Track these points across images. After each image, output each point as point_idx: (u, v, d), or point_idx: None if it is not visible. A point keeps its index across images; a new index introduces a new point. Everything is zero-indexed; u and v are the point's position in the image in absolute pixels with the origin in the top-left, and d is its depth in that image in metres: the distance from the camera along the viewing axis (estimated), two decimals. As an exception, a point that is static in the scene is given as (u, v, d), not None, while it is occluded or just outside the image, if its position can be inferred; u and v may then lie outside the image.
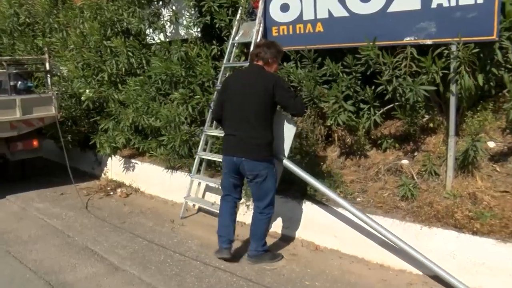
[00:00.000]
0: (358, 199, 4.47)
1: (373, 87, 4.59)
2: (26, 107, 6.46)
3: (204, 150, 5.42)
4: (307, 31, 4.98)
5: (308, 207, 4.54)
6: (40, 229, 5.34)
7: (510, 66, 4.12)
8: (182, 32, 6.02)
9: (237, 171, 4.00)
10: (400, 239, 3.73)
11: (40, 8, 8.19)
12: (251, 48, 5.09)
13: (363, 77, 4.72)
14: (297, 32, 5.06)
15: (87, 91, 6.71)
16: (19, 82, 6.74)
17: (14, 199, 6.58)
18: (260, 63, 4.05)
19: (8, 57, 7.73)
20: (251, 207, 4.88)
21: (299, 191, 4.74)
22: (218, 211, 4.88)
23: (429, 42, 4.13)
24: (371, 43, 4.36)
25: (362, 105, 4.75)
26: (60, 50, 7.58)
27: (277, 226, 4.75)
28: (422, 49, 4.26)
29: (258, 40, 5.13)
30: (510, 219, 3.61)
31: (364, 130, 4.89)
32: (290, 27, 5.11)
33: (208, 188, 5.58)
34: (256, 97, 3.87)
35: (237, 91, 3.96)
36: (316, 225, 4.46)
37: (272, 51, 4.07)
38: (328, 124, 4.93)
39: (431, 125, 4.69)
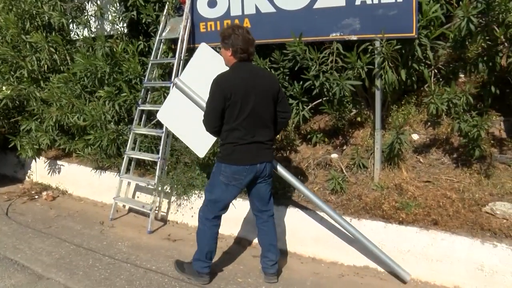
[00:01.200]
0: (289, 194, 4.46)
1: (301, 83, 4.59)
2: None
3: (133, 149, 5.22)
4: (235, 26, 4.91)
5: (239, 203, 4.46)
6: None
7: (429, 62, 4.27)
8: (107, 27, 5.77)
9: (253, 179, 3.63)
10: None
11: None
12: (178, 44, 4.96)
13: (291, 72, 4.72)
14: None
15: (4, 88, 6.25)
16: None
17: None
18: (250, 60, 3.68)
19: None
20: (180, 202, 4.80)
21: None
22: (148, 211, 4.77)
23: (354, 38, 4.18)
24: (297, 39, 4.36)
25: (291, 101, 4.74)
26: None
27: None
28: (348, 45, 4.32)
29: (186, 36, 5.00)
30: (432, 208, 3.74)
31: (293, 125, 4.89)
32: (218, 23, 5.02)
33: (138, 188, 5.39)
34: (270, 99, 3.56)
35: (249, 96, 3.45)
36: (244, 222, 4.43)
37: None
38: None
39: (358, 119, 4.78)
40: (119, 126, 5.41)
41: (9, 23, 6.16)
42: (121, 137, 5.37)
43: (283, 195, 4.46)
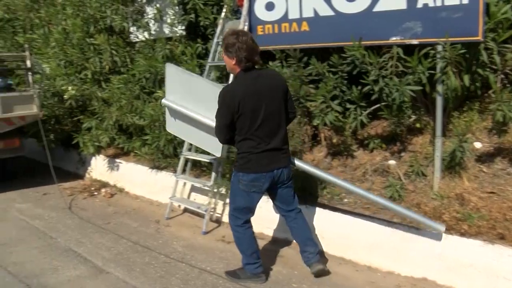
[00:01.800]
0: (345, 200, 4.40)
1: (359, 87, 4.52)
2: (6, 105, 6.29)
3: (189, 150, 5.30)
4: (292, 30, 4.89)
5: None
6: (21, 230, 5.19)
7: (495, 67, 4.08)
8: (166, 30, 5.89)
9: (273, 185, 3.66)
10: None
11: (20, 3, 7.95)
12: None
13: (349, 76, 4.65)
14: (283, 31, 4.97)
15: (70, 89, 6.53)
16: (-1, 80, 6.56)
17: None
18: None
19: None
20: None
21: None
22: (203, 212, 4.84)
23: (415, 42, 4.06)
24: (357, 43, 4.29)
25: (348, 105, 4.67)
26: (41, 47, 7.38)
27: (263, 228, 4.65)
28: (408, 49, 4.20)
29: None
30: (498, 221, 3.57)
31: (350, 130, 4.83)
32: (275, 26, 5.02)
33: (193, 189, 5.47)
34: (281, 99, 3.57)
35: (258, 105, 3.45)
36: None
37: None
38: (315, 124, 4.85)
39: (417, 125, 4.64)
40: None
41: (75, 27, 6.45)
42: (177, 137, 5.48)
43: (338, 201, 4.40)
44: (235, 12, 5.35)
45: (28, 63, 6.66)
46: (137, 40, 6.25)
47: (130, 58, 6.25)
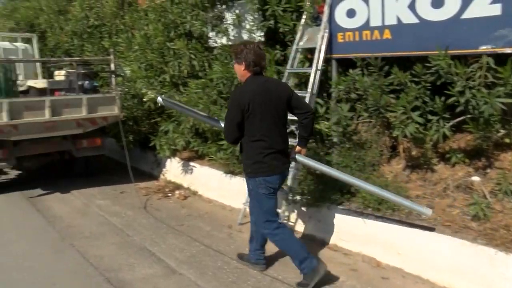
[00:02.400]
0: (424, 215, 4.25)
1: (443, 98, 4.36)
2: (92, 106, 6.68)
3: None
4: (374, 38, 4.82)
5: (370, 220, 4.37)
6: (101, 226, 5.49)
7: None
8: (245, 36, 5.99)
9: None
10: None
11: (108, 10, 8.42)
12: (315, 54, 5.00)
13: (433, 87, 4.50)
14: (364, 38, 4.91)
15: (149, 92, 6.82)
16: (86, 82, 7.00)
17: (78, 195, 6.83)
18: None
19: (77, 58, 8.01)
20: (310, 214, 4.81)
21: (361, 204, 4.58)
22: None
23: (509, 51, 3.87)
24: (442, 52, 4.14)
25: (430, 117, 4.52)
26: (124, 51, 7.77)
27: (336, 239, 4.61)
28: (500, 59, 4.00)
29: (324, 46, 5.03)
30: None
31: (431, 142, 4.66)
32: (356, 33, 4.97)
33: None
34: (285, 106, 3.78)
35: (267, 107, 3.67)
36: (378, 241, 4.29)
37: None
38: (394, 135, 4.74)
39: (507, 140, 4.40)
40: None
41: (157, 32, 6.72)
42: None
43: (417, 217, 4.26)
44: (315, 19, 5.34)
45: (112, 66, 7.03)
46: (216, 45, 6.40)
47: (208, 63, 6.41)
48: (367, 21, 4.84)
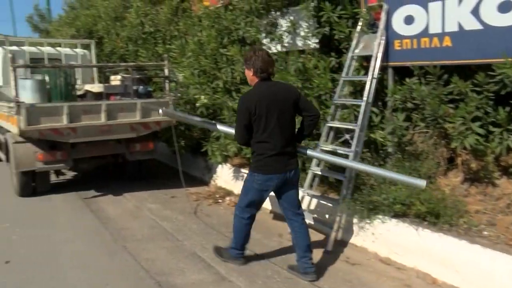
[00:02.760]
0: (485, 232, 4.10)
1: (507, 109, 4.21)
2: (145, 110, 6.85)
3: (318, 165, 5.33)
4: (433, 45, 4.73)
5: (426, 234, 4.25)
6: (152, 229, 5.62)
7: None
8: (299, 42, 6.00)
9: (283, 184, 4.16)
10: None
11: (163, 17, 8.65)
12: (371, 62, 4.95)
13: (496, 97, 4.35)
14: (422, 46, 4.83)
15: (202, 97, 6.93)
16: (141, 87, 7.19)
17: (130, 197, 7.02)
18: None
19: (133, 63, 8.27)
20: (363, 226, 4.75)
21: (417, 216, 4.47)
22: (328, 230, 4.82)
23: None
24: (509, 60, 4.00)
25: (492, 128, 4.37)
26: (178, 57, 7.94)
27: (390, 253, 4.52)
28: None
29: (380, 54, 4.97)
30: None
31: (493, 155, 4.50)
32: (414, 41, 4.89)
33: (319, 205, 5.46)
34: (292, 109, 4.05)
35: (272, 110, 3.94)
36: (435, 256, 4.16)
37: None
38: (452, 146, 4.61)
39: None
40: (307, 141, 5.57)
41: (210, 38, 6.83)
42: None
43: (477, 233, 4.12)
44: (371, 26, 5.29)
45: (166, 71, 7.20)
46: (270, 52, 6.43)
47: (261, 69, 6.45)
48: (426, 28, 4.75)
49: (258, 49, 4.18)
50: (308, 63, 5.63)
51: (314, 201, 5.50)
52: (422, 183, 3.79)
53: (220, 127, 4.95)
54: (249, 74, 4.13)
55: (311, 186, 5.38)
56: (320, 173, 5.28)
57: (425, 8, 4.73)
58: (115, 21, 11.38)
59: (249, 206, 4.32)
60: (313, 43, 5.80)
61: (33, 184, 7.20)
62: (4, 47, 9.13)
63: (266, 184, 4.11)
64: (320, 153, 4.63)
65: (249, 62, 4.07)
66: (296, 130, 4.20)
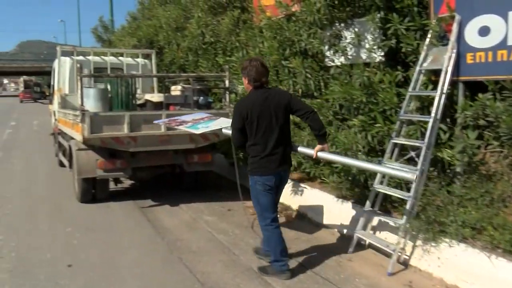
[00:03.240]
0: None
1: None
2: (205, 121, 6.97)
3: (381, 183, 5.22)
4: (511, 58, 4.52)
5: (501, 263, 4.02)
6: (208, 242, 5.69)
7: None
8: (364, 55, 5.94)
9: (277, 184, 4.60)
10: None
11: (225, 28, 8.80)
12: (441, 76, 4.82)
13: None
14: (498, 59, 4.64)
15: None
16: (201, 98, 7.35)
17: (186, 209, 7.15)
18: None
19: (194, 74, 8.46)
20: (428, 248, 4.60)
21: (489, 242, 4.26)
22: (391, 251, 4.71)
23: None
24: None
25: None
26: (238, 68, 8.04)
27: (457, 280, 4.31)
28: None
29: (450, 68, 4.83)
30: None
31: None
32: (490, 53, 4.71)
33: (381, 225, 5.34)
34: (283, 112, 4.48)
35: (263, 115, 4.40)
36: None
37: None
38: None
39: None
40: (369, 157, 5.49)
41: (272, 50, 6.88)
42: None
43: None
44: (441, 38, 5.15)
45: (227, 82, 7.31)
46: (332, 64, 6.40)
47: (324, 82, 6.42)
48: (504, 40, 4.55)
49: (254, 59, 4.64)
50: (373, 76, 5.54)
51: (376, 220, 5.38)
52: (412, 176, 4.06)
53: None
54: (245, 82, 4.62)
55: (373, 204, 5.27)
56: (383, 191, 5.16)
57: (504, 18, 4.53)
58: (176, 32, 11.68)
59: (266, 210, 4.62)
60: (378, 56, 5.72)
61: (93, 191, 7.47)
62: (72, 57, 9.60)
63: (266, 184, 4.50)
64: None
65: (244, 71, 4.56)
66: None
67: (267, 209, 4.60)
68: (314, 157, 4.68)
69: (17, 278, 4.62)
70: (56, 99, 9.88)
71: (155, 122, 6.76)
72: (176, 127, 6.40)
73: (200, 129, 6.30)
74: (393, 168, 4.64)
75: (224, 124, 5.20)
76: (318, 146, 4.61)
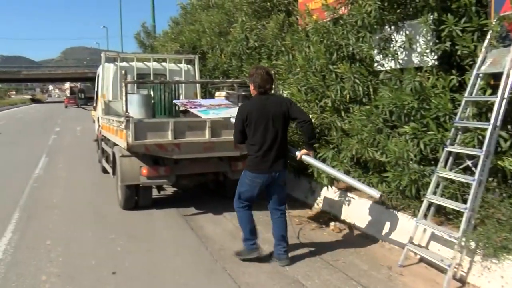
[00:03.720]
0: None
1: None
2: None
3: (434, 193, 5.06)
4: None
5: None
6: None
7: None
8: (415, 59, 5.80)
9: (270, 183, 5.17)
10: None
11: (270, 32, 8.80)
12: (502, 80, 4.65)
13: None
14: None
15: (310, 116, 6.90)
16: (245, 104, 7.30)
17: (229, 217, 7.14)
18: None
19: (238, 80, 8.49)
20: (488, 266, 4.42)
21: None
22: (445, 267, 4.57)
23: None
24: None
25: None
26: (283, 73, 8.02)
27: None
28: None
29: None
30: None
31: None
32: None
33: (434, 237, 5.18)
34: (281, 118, 5.06)
35: (261, 119, 5.01)
36: None
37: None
38: None
39: None
40: (422, 167, 5.34)
41: (319, 54, 6.82)
42: (423, 178, 5.29)
43: None
44: (503, 39, 4.95)
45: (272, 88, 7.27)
46: (382, 69, 6.28)
47: (373, 88, 6.31)
48: None
49: (260, 68, 5.30)
50: (426, 81, 5.40)
51: (429, 233, 5.22)
52: (376, 194, 4.68)
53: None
54: (251, 87, 5.26)
55: (425, 216, 5.11)
56: (436, 201, 5.01)
57: None
58: (219, 36, 11.78)
59: (241, 197, 5.28)
60: (431, 59, 5.57)
61: (135, 198, 7.58)
62: (115, 63, 9.83)
63: (254, 180, 5.13)
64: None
65: (251, 78, 5.21)
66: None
67: (245, 198, 5.27)
68: (297, 158, 5.42)
69: (65, 283, 4.76)
70: (100, 105, 10.13)
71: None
72: (190, 109, 6.72)
73: (210, 114, 6.72)
74: (360, 183, 5.26)
75: (235, 114, 5.46)
76: (304, 151, 5.34)
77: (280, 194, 5.29)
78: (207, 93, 10.45)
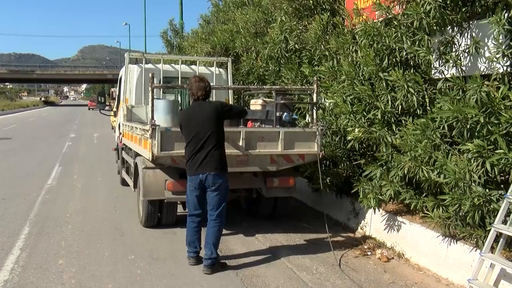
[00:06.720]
0: None
1: None
2: (289, 141, 6.92)
3: (504, 222, 4.89)
4: None
5: None
6: (289, 280, 5.60)
7: None
8: (482, 65, 5.65)
9: (204, 188, 5.91)
10: None
11: (312, 33, 8.74)
12: None
13: None
14: None
15: (356, 130, 6.81)
16: (285, 114, 7.24)
17: (262, 239, 7.13)
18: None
19: (277, 86, 8.45)
20: None
21: None
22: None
23: None
24: None
25: None
26: (327, 80, 7.94)
27: None
28: None
29: None
30: None
31: None
32: None
33: (503, 274, 4.96)
34: (210, 121, 5.85)
35: (192, 123, 5.88)
36: None
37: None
38: None
39: None
40: (488, 190, 5.18)
41: (368, 60, 6.72)
42: (489, 204, 5.13)
43: None
44: None
45: (315, 97, 7.20)
46: (440, 77, 6.14)
47: (430, 98, 6.19)
48: None
49: (195, 76, 6.24)
50: (495, 92, 5.24)
51: (497, 268, 4.99)
52: None
53: None
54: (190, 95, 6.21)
55: (492, 249, 4.93)
56: (507, 232, 4.82)
57: None
58: (255, 37, 11.80)
59: (188, 206, 6.12)
60: (503, 65, 5.39)
61: (158, 215, 7.58)
62: (140, 64, 9.92)
63: (189, 185, 5.97)
64: None
65: (189, 86, 6.13)
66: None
67: (189, 205, 6.08)
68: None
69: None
70: (122, 110, 10.20)
71: None
72: None
73: None
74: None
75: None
76: None
77: (211, 199, 5.88)
78: (241, 100, 10.42)
